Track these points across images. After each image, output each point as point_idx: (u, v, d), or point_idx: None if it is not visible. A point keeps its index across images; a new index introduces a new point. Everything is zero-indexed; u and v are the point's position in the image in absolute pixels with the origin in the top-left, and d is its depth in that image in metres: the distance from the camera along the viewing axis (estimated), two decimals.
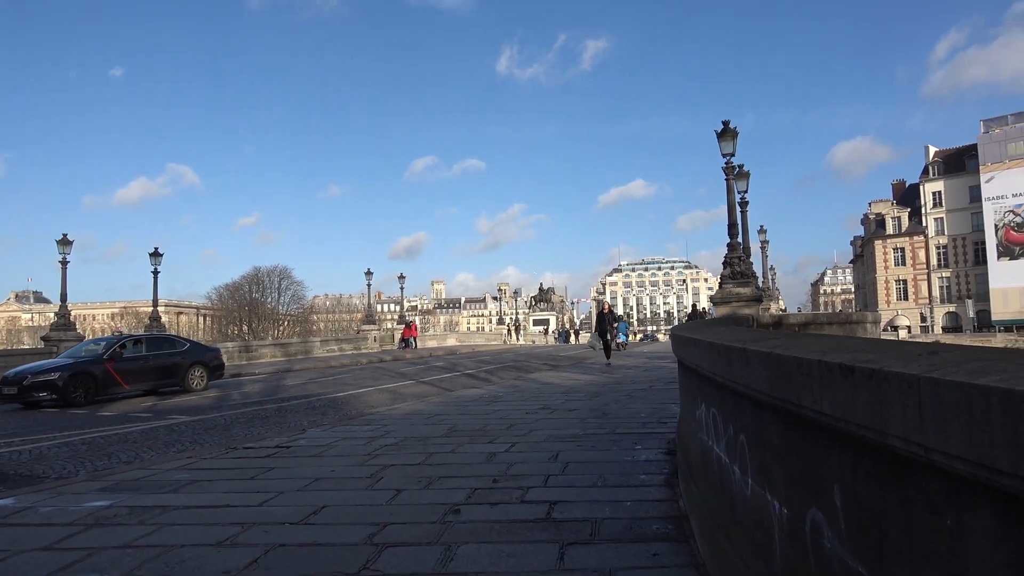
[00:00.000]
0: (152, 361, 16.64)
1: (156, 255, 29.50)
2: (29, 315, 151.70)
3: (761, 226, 34.36)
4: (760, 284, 34.81)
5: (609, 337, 20.95)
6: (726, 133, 13.78)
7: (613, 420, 8.77)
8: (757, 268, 36.69)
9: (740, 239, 13.90)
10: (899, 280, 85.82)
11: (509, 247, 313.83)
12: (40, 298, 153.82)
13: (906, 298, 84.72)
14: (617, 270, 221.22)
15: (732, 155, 13.93)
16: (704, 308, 33.01)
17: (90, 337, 30.79)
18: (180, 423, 11.45)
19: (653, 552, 3.83)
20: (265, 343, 37.11)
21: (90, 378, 15.13)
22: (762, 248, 34.01)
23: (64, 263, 25.34)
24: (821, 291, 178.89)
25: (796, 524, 2.17)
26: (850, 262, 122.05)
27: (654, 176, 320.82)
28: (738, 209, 13.79)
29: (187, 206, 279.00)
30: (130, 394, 16.12)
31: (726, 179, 14.20)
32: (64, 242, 25.24)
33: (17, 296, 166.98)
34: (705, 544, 3.53)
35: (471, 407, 10.87)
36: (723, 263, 14.15)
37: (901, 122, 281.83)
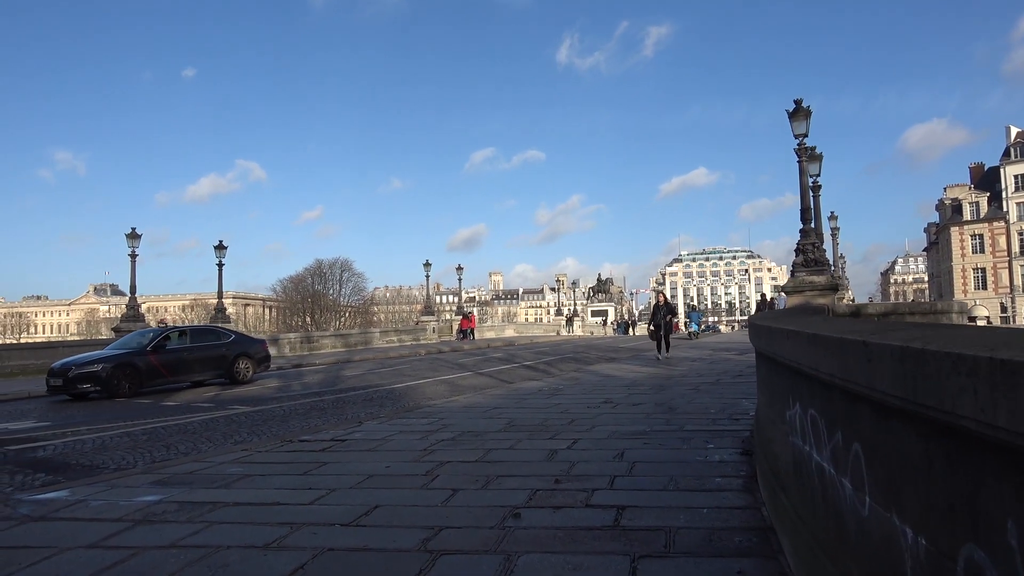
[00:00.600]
0: (196, 353, 16.66)
1: (220, 248, 30.13)
2: (106, 307, 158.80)
3: (832, 212, 32.87)
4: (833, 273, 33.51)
5: (663, 331, 18.79)
6: (798, 113, 12.98)
7: (681, 416, 8.29)
8: (828, 256, 35.23)
9: (813, 224, 13.13)
10: (977, 268, 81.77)
11: (568, 238, 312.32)
12: (116, 291, 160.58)
13: (984, 287, 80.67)
14: (677, 260, 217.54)
15: (805, 136, 13.19)
16: (771, 298, 31.78)
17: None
18: (240, 414, 11.46)
19: (737, 569, 3.41)
20: (326, 334, 37.62)
21: (133, 370, 15.25)
22: (832, 235, 32.58)
23: (133, 256, 26.08)
24: (891, 280, 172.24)
25: (941, 562, 1.73)
26: (923, 250, 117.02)
27: (717, 164, 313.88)
28: (811, 193, 12.98)
29: (254, 201, 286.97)
30: (178, 386, 16.30)
31: (798, 161, 13.41)
32: (133, 236, 25.94)
33: (95, 289, 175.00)
34: (801, 564, 3.09)
35: (530, 400, 10.53)
36: (795, 250, 13.41)
37: (979, 103, 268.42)
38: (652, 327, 19.34)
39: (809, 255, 12.86)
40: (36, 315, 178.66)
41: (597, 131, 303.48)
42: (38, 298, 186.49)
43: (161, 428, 10.06)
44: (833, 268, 34.07)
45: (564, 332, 54.62)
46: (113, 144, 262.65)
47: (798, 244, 13.51)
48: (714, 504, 4.48)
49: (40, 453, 8.44)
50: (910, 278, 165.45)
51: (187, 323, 46.80)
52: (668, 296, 20.12)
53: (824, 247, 13.19)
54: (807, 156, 13.05)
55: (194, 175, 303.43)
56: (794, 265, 13.53)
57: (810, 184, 13.70)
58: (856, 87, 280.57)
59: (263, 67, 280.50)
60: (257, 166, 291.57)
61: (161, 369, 15.78)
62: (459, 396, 11.89)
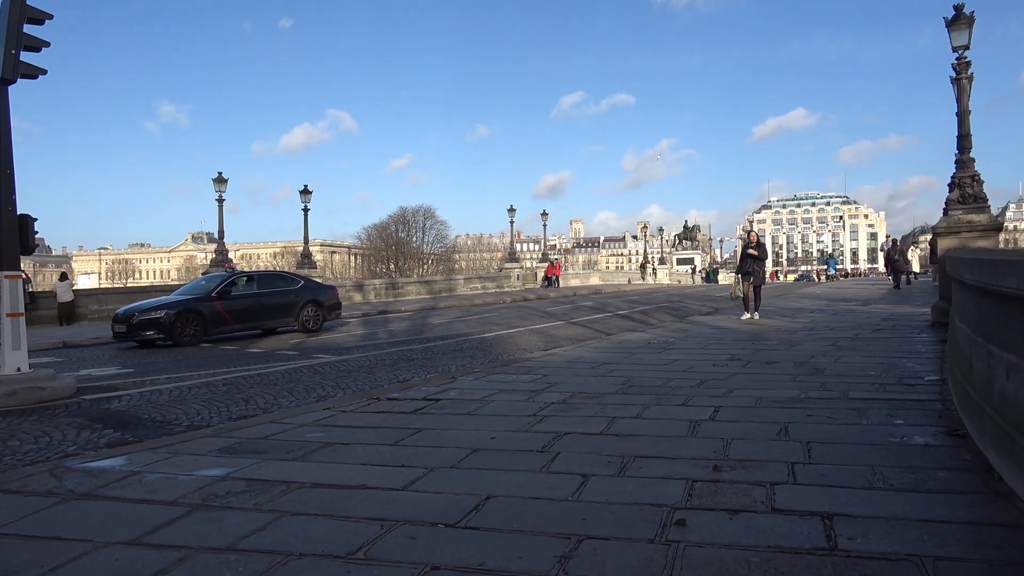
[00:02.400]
0: (263, 299, 15.95)
1: (305, 192, 29.78)
2: (203, 254, 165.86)
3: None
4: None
5: (753, 279, 14.10)
6: (959, 20, 10.78)
7: (834, 379, 6.89)
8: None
9: (972, 155, 11.14)
10: None
11: (654, 184, 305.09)
12: (212, 238, 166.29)
13: None
14: (766, 206, 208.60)
15: (966, 47, 11.09)
16: (896, 240, 28.88)
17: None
18: (324, 363, 10.74)
19: None
20: (410, 280, 37.26)
21: (197, 316, 14.67)
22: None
23: (220, 201, 25.98)
24: (1004, 227, 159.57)
25: None
26: None
27: (817, 104, 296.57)
28: (970, 118, 10.92)
29: (345, 150, 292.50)
30: (240, 334, 15.75)
31: (957, 78, 11.35)
32: (219, 180, 25.79)
33: (193, 237, 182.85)
34: None
35: (641, 355, 9.31)
36: (950, 184, 11.41)
37: None
38: (740, 275, 14.55)
39: (967, 190, 10.88)
40: (140, 262, 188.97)
41: (691, 72, 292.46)
42: (142, 246, 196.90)
43: (242, 378, 9.40)
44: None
45: (637, 280, 52.51)
46: (213, 96, 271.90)
47: (953, 177, 11.48)
48: (963, 517, 3.18)
49: (115, 404, 7.86)
50: (1022, 225, 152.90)
51: (278, 269, 47.26)
52: (758, 236, 14.83)
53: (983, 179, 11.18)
54: (968, 73, 10.92)
55: (288, 125, 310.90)
56: (948, 202, 11.60)
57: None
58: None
59: (354, 16, 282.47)
60: (348, 116, 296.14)
61: (226, 316, 15.21)
62: (557, 348, 10.79)
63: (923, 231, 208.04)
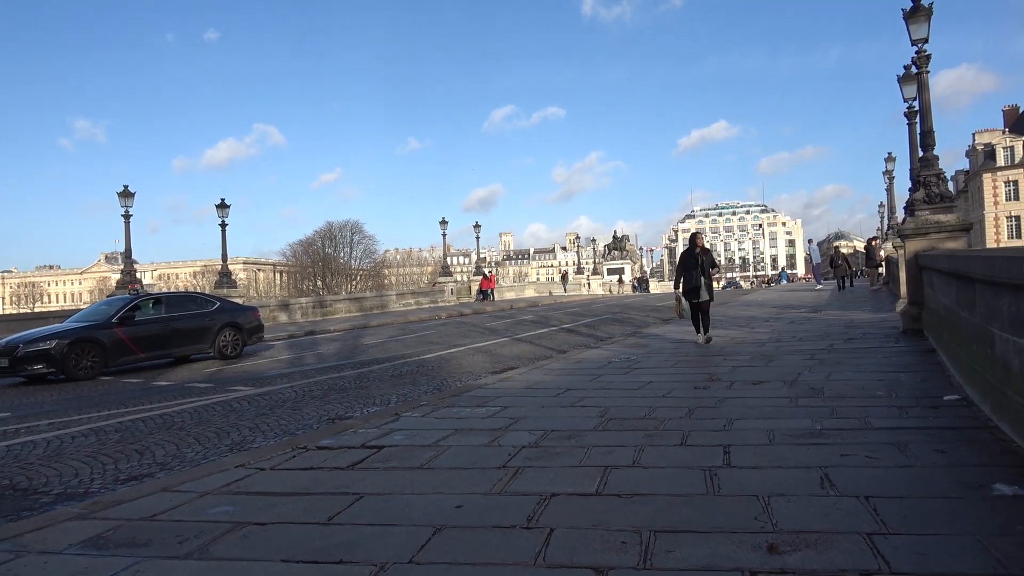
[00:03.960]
0: (173, 324, 14.17)
1: (223, 206, 27.74)
2: (116, 275, 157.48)
3: (889, 153, 29.83)
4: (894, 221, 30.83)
5: (704, 294, 10.98)
6: (918, 13, 10.40)
7: (841, 402, 6.01)
8: (876, 203, 32.31)
9: (936, 152, 10.64)
10: (1011, 216, 78.34)
11: (583, 196, 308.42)
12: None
13: (1019, 235, 77.37)
14: (690, 216, 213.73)
15: (925, 41, 10.68)
16: (859, 250, 29.32)
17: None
18: (242, 397, 9.30)
19: None
20: (339, 298, 35.47)
21: (95, 346, 12.80)
22: (890, 182, 29.70)
23: (127, 217, 23.76)
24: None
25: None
26: None
27: (738, 117, 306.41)
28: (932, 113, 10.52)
29: (272, 165, 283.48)
30: (147, 364, 13.86)
31: (917, 73, 11.05)
32: (125, 194, 23.62)
33: (107, 257, 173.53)
34: None
35: (608, 378, 8.29)
36: (914, 183, 11.05)
37: (1007, 47, 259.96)
38: (683, 288, 11.09)
39: (933, 189, 10.31)
40: (49, 284, 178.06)
41: (619, 86, 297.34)
42: (51, 267, 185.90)
43: (141, 421, 7.90)
44: (889, 218, 31.56)
45: (559, 292, 51.24)
46: (132, 110, 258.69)
47: (918, 176, 10.96)
48: None
49: None
50: None
51: (190, 290, 44.00)
52: (703, 239, 11.44)
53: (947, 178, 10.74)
54: (927, 67, 10.52)
55: (213, 140, 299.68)
56: (912, 203, 11.15)
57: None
58: (879, 33, 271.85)
59: (283, 29, 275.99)
60: (275, 130, 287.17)
61: (130, 344, 13.33)
62: (510, 371, 9.67)
63: (837, 236, 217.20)
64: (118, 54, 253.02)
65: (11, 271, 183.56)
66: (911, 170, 11.12)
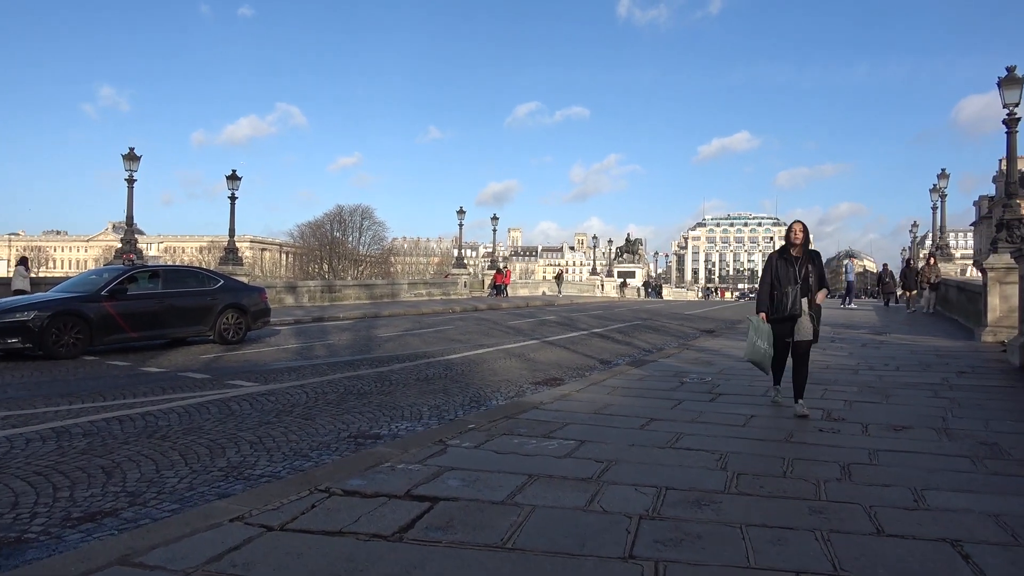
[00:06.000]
0: (170, 301, 12.64)
1: (234, 178, 26.25)
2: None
3: (943, 170, 27.94)
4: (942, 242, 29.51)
5: (803, 327, 6.44)
6: (1011, 81, 12.25)
7: None
8: (927, 224, 30.96)
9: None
10: None
11: (597, 198, 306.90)
12: (137, 230, 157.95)
13: None
14: (701, 224, 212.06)
15: (1016, 104, 12.46)
16: (869, 269, 28.45)
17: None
18: (243, 396, 7.80)
19: None
20: (349, 283, 33.99)
21: (80, 320, 11.29)
22: (941, 201, 28.08)
23: (131, 181, 22.27)
24: (921, 255, 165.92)
25: None
26: (971, 224, 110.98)
27: (761, 129, 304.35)
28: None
29: (291, 145, 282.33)
30: (138, 344, 12.43)
31: (1007, 132, 12.52)
32: (131, 157, 22.11)
33: (114, 226, 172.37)
34: None
35: (691, 405, 6.77)
36: (997, 224, 12.78)
37: None
38: (769, 310, 6.61)
39: (1016, 232, 11.93)
40: (55, 250, 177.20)
41: (645, 89, 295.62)
42: (58, 233, 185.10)
43: (117, 422, 6.41)
44: (942, 236, 30.04)
45: (549, 292, 48.96)
46: (158, 80, 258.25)
47: (1000, 219, 12.52)
48: None
49: None
50: (957, 254, 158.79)
51: (191, 264, 41.35)
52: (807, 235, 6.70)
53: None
54: (1013, 126, 12.53)
55: (234, 115, 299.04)
56: (995, 240, 12.41)
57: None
58: (909, 50, 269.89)
59: (315, 10, 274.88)
60: (298, 111, 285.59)
61: (119, 321, 11.79)
62: (563, 388, 8.18)
63: (848, 255, 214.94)
64: (152, 22, 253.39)
65: (18, 234, 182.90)
66: (1006, 183, 11.74)
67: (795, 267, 6.51)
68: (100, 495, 4.36)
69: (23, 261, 19.99)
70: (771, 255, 6.87)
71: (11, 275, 19.40)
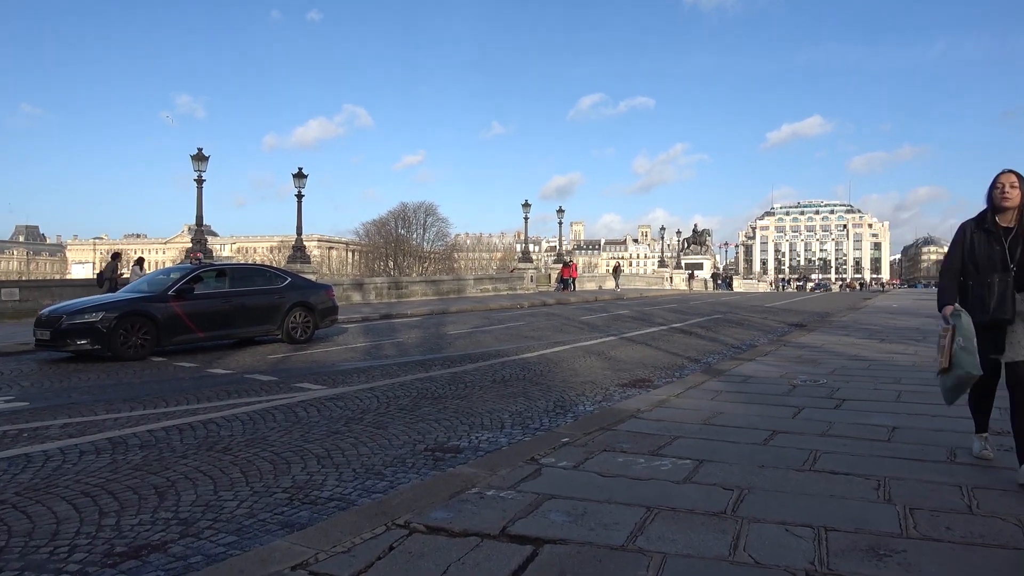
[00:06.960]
0: (237, 300, 12.38)
1: (300, 176, 26.23)
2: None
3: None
4: None
5: (1019, 342, 3.90)
6: None
7: None
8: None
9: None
10: None
11: (662, 188, 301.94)
12: (210, 231, 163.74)
13: None
14: (769, 213, 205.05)
15: None
16: None
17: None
18: (310, 400, 7.27)
19: None
20: (416, 280, 33.76)
21: (148, 321, 11.06)
22: None
23: (200, 182, 22.45)
24: None
25: None
26: None
27: (834, 113, 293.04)
28: None
29: (358, 146, 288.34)
30: (206, 344, 12.16)
31: None
32: (199, 158, 22.28)
33: (189, 228, 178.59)
34: None
35: (813, 413, 5.86)
36: None
37: None
38: (976, 302, 4.01)
39: None
40: (135, 252, 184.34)
41: (711, 76, 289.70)
42: (138, 236, 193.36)
43: (177, 431, 5.93)
44: None
45: (609, 284, 47.18)
46: (232, 86, 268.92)
47: None
48: None
49: None
50: None
51: (258, 263, 41.47)
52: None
53: None
54: None
55: (303, 118, 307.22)
56: None
57: None
58: (988, 24, 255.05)
59: (380, 12, 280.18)
60: (364, 111, 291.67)
61: (187, 321, 11.55)
62: (656, 391, 7.37)
63: (926, 242, 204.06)
64: (225, 29, 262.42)
65: (102, 237, 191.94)
66: None
67: (1004, 244, 4.01)
68: (149, 522, 3.81)
69: (139, 261, 20.34)
70: (964, 224, 4.29)
71: (128, 274, 19.76)
